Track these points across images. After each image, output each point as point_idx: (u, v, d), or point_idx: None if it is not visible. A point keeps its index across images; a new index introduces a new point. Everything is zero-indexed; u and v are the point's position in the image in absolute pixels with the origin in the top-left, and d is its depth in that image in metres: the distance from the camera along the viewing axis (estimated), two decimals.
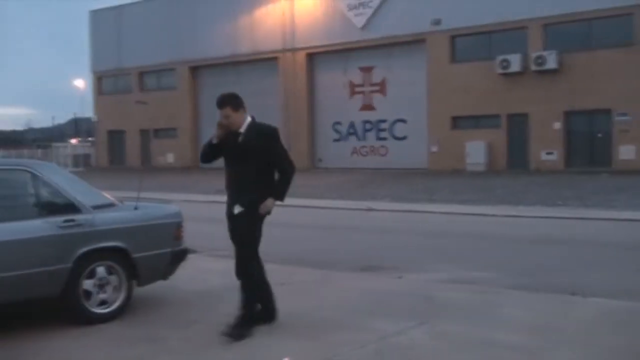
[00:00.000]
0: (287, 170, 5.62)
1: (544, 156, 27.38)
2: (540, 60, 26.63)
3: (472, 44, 29.32)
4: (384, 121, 32.34)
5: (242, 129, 5.47)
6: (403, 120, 31.64)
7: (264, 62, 35.55)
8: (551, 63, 26.43)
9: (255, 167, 5.42)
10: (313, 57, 34.39)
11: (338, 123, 33.88)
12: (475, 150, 28.38)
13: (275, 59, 35.08)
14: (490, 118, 28.65)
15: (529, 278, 7.82)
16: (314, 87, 34.61)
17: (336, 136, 34.05)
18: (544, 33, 27.28)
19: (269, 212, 5.53)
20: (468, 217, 14.46)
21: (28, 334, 5.49)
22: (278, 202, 5.58)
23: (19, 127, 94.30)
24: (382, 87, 32.27)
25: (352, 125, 33.44)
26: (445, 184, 22.65)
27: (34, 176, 5.74)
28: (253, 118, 5.59)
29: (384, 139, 32.46)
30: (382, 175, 27.63)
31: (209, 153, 5.57)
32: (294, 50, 34.29)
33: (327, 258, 9.32)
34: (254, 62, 36.06)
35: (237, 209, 5.43)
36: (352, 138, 33.53)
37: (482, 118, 28.93)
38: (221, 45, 36.53)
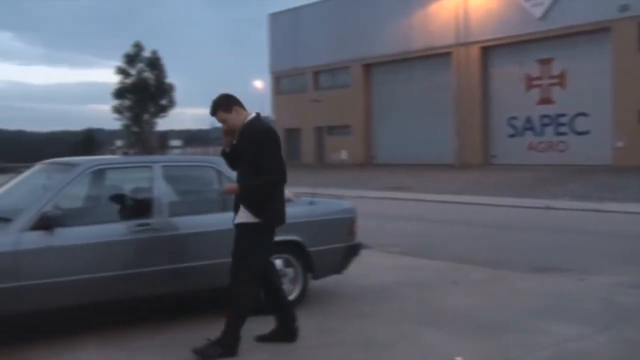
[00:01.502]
0: (269, 177, 4.83)
1: None
2: None
3: None
4: (563, 115, 30.78)
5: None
6: (585, 114, 29.92)
7: (437, 57, 35.18)
8: None
9: (251, 172, 4.86)
10: (487, 51, 33.50)
11: (513, 118, 32.76)
12: None
13: (448, 54, 34.58)
14: None
15: None
16: (488, 81, 33.71)
17: (511, 131, 32.94)
18: None
19: (224, 194, 5.06)
20: None
21: (204, 320, 5.85)
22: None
23: (205, 127, 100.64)
24: (561, 80, 30.74)
25: (528, 119, 32.19)
26: (632, 181, 21.11)
27: (218, 172, 6.10)
28: (256, 116, 5.04)
29: (564, 133, 30.90)
30: (561, 172, 26.35)
31: (227, 163, 5.20)
32: (467, 44, 33.61)
33: (502, 257, 9.06)
34: (426, 58, 35.81)
35: (237, 219, 4.97)
36: (529, 133, 32.26)
37: None
38: (394, 42, 36.66)
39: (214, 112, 5.01)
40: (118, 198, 5.84)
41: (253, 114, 5.05)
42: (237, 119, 4.98)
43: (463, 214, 15.09)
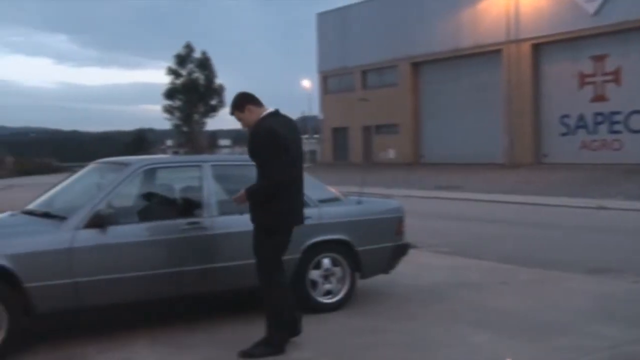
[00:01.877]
0: (271, 178, 4.74)
1: None
2: None
3: None
4: (618, 113, 30.00)
5: None
6: None
7: (487, 55, 34.70)
8: None
9: (259, 172, 4.86)
10: (539, 48, 32.89)
11: (566, 116, 32.08)
12: None
13: (498, 51, 34.08)
14: None
15: None
16: (539, 79, 33.09)
17: (563, 130, 32.26)
18: None
19: (237, 203, 4.98)
20: None
21: (253, 317, 5.90)
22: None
23: None
24: (616, 77, 29.99)
25: (581, 117, 31.48)
26: None
27: None
28: (269, 114, 4.96)
29: (618, 132, 30.11)
30: (614, 171, 25.73)
31: None
32: (518, 41, 33.05)
33: (552, 258, 8.90)
34: (475, 56, 35.34)
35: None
36: (581, 131, 31.54)
37: None
38: (443, 40, 36.31)
39: (231, 112, 5.06)
40: (150, 197, 5.93)
41: (269, 111, 4.99)
42: (250, 117, 4.97)
43: (513, 214, 14.87)
